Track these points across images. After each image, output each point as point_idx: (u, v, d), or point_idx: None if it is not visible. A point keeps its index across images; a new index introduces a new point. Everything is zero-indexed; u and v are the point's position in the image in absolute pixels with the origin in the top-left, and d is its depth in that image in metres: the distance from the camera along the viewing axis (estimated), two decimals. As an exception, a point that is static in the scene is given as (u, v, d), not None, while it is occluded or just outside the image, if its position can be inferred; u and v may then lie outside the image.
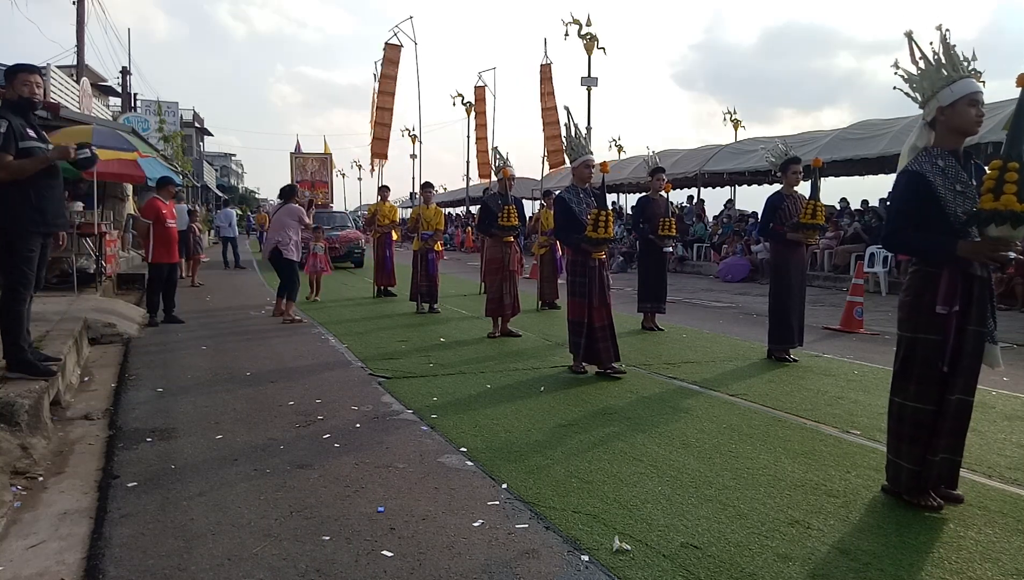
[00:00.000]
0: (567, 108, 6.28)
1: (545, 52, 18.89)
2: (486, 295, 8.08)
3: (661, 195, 8.66)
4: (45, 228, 4.52)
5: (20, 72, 4.48)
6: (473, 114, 15.09)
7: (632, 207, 10.54)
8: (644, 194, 8.95)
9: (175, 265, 9.22)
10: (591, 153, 6.05)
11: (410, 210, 11.30)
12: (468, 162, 23.63)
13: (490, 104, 16.71)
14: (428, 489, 3.38)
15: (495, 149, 8.51)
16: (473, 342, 7.48)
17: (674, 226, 8.38)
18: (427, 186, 10.57)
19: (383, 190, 12.54)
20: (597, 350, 5.83)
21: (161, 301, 8.68)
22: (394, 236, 12.26)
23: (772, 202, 6.62)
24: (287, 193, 9.31)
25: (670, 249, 8.80)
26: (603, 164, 6.23)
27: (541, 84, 14.61)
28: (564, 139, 6.20)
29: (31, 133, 4.43)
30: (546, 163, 14.81)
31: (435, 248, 10.05)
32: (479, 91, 14.67)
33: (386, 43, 12.60)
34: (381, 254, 11.96)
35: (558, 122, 13.66)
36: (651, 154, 10.00)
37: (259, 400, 5.00)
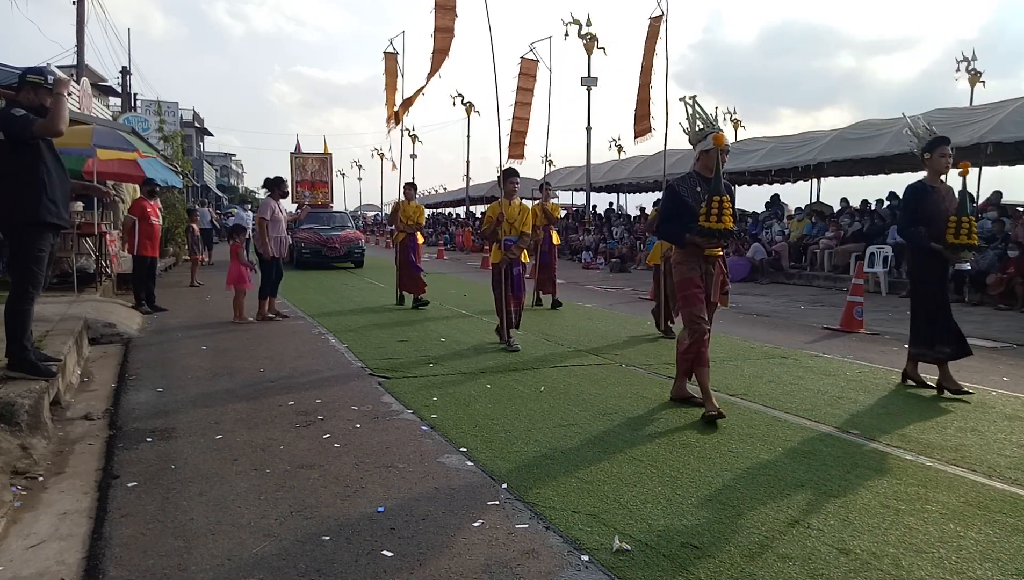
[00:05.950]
0: None
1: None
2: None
3: (944, 181, 5.51)
4: (58, 220, 4.56)
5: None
6: (516, 90, 14.10)
7: (898, 201, 7.09)
8: (918, 181, 5.59)
9: (155, 258, 10.23)
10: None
11: (485, 208, 9.11)
12: (468, 162, 23.56)
13: (541, 83, 15.01)
14: (428, 489, 3.38)
15: (691, 101, 4.92)
16: (473, 342, 7.47)
17: (974, 229, 5.27)
18: (511, 174, 7.53)
19: (408, 188, 11.03)
20: None
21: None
22: (419, 239, 10.88)
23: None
24: (271, 185, 8.97)
25: (968, 265, 6.22)
26: None
27: (647, 40, 12.19)
28: None
29: None
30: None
31: (521, 259, 7.52)
32: (529, 64, 14.02)
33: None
34: (404, 258, 10.52)
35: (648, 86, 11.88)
36: (920, 120, 5.79)
37: (259, 400, 5.01)
